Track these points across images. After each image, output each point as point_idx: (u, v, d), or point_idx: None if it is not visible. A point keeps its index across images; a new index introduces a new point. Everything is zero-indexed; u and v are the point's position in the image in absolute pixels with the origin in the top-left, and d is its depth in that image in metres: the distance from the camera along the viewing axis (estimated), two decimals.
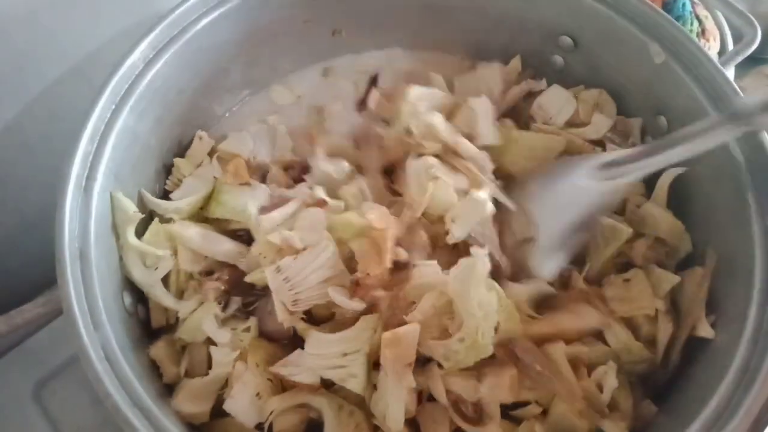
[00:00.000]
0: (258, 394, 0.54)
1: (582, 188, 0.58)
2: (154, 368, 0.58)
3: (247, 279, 0.59)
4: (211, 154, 0.69)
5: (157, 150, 0.67)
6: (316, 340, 0.55)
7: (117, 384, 0.48)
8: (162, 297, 0.59)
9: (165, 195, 0.68)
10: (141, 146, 0.63)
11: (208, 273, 0.61)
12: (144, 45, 0.61)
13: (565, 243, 0.60)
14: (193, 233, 0.60)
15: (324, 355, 0.54)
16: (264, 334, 0.59)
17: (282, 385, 0.57)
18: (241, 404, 0.54)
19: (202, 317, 0.56)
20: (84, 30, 0.76)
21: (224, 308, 0.59)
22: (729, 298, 0.57)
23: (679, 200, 0.65)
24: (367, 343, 0.53)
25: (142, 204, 0.63)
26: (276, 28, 0.73)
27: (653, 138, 0.69)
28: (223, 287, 0.59)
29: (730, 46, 0.87)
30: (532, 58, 0.76)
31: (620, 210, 0.66)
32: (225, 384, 0.56)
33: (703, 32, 0.87)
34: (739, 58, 0.70)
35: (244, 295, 0.60)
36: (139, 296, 0.61)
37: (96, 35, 0.76)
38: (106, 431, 0.61)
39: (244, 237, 0.62)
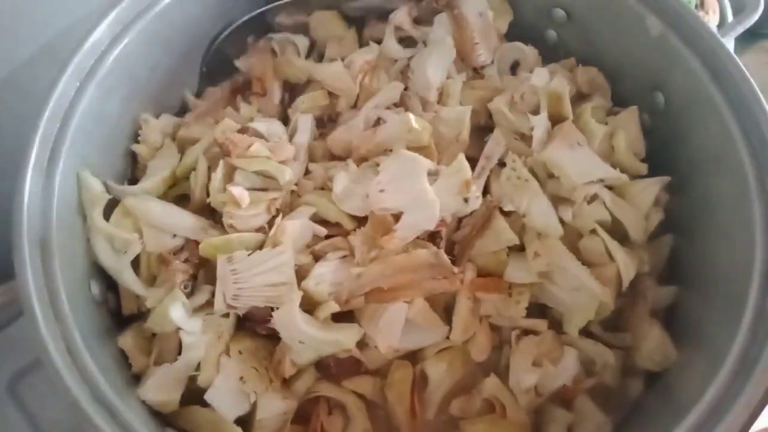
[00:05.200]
0: (242, 378, 0.52)
1: None
2: (124, 358, 0.55)
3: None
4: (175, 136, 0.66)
5: (127, 132, 0.64)
6: None
7: (79, 379, 0.46)
8: (131, 283, 0.56)
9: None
10: (108, 127, 0.60)
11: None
12: (110, 19, 0.58)
13: None
14: (151, 206, 0.57)
15: None
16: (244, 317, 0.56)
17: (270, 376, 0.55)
18: (223, 394, 0.52)
19: (168, 306, 0.53)
20: (55, 6, 0.73)
21: (191, 293, 0.56)
22: (727, 281, 0.54)
23: (679, 181, 0.62)
24: None
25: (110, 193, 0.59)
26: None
27: (650, 117, 0.66)
28: (191, 270, 0.56)
29: (730, 18, 0.84)
30: (524, 32, 0.72)
31: None
32: (196, 370, 0.54)
33: (701, 4, 0.85)
34: (740, 29, 0.67)
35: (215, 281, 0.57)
36: (109, 283, 0.58)
37: (68, 12, 0.72)
38: (85, 424, 0.58)
39: (208, 214, 0.60)
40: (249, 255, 0.54)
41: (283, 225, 0.56)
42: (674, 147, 0.63)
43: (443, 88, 0.66)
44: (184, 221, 0.58)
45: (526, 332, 0.56)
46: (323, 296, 0.54)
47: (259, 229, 0.58)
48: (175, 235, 0.59)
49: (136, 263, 0.58)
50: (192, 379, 0.53)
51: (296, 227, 0.56)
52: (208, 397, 0.52)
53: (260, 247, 0.56)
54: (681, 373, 0.55)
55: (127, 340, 0.55)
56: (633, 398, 0.59)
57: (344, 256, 0.57)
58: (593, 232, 0.59)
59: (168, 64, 0.66)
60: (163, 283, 0.57)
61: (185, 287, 0.56)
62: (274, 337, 0.55)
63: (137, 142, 0.65)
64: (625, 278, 0.57)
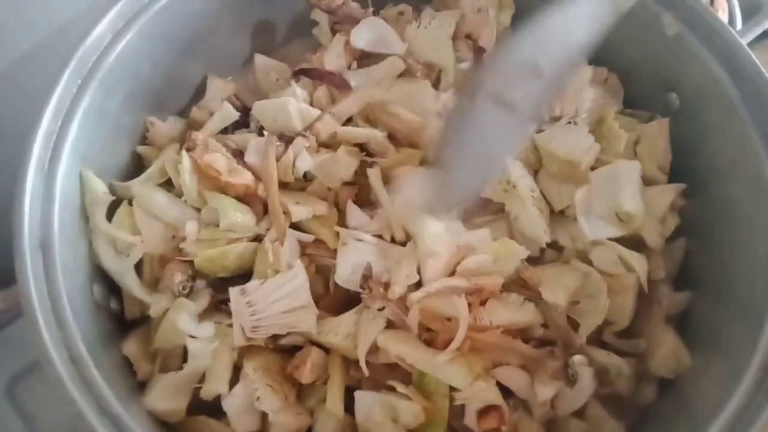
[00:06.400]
0: (258, 398, 0.51)
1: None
2: (128, 365, 0.54)
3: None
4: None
5: (130, 130, 0.62)
6: None
7: (82, 388, 0.44)
8: (133, 287, 0.55)
9: None
10: (111, 125, 0.58)
11: None
12: (112, 14, 0.56)
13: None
14: (156, 196, 0.56)
15: None
16: None
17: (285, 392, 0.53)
18: (239, 405, 0.51)
19: (176, 317, 0.52)
20: (54, 1, 0.71)
21: (189, 294, 0.55)
22: (746, 287, 0.53)
23: (694, 184, 0.61)
24: None
25: (114, 192, 0.58)
26: None
27: (661, 117, 0.65)
28: (191, 270, 0.54)
29: (739, 18, 0.83)
30: None
31: None
32: (202, 379, 0.52)
33: (711, 2, 0.83)
34: (758, 30, 0.66)
35: (216, 287, 0.56)
36: (112, 286, 0.57)
37: (67, 7, 0.71)
38: (85, 429, 0.57)
39: None
40: (262, 284, 0.52)
41: (278, 252, 0.54)
42: (689, 149, 0.62)
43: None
44: (189, 215, 0.56)
45: (543, 343, 0.55)
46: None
47: None
48: (174, 236, 0.57)
49: (139, 265, 0.56)
50: (199, 388, 0.52)
51: (286, 250, 0.55)
52: (225, 403, 0.51)
53: (254, 254, 0.55)
54: (698, 381, 0.54)
55: (131, 346, 0.54)
56: (646, 404, 0.58)
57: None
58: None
59: (171, 60, 0.64)
60: (166, 288, 0.55)
61: (183, 288, 0.55)
62: (284, 351, 0.54)
63: (142, 142, 0.63)
64: (643, 281, 0.57)
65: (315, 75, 0.64)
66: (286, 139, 0.59)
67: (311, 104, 0.63)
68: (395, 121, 0.62)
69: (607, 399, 0.57)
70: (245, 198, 0.57)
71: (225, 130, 0.63)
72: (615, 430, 0.56)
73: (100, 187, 0.55)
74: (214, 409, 0.52)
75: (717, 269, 0.58)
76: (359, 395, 0.52)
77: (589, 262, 0.58)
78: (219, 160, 0.56)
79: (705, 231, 0.60)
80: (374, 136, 0.60)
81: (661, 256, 0.60)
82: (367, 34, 0.66)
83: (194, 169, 0.56)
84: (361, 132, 0.61)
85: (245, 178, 0.56)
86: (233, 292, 0.52)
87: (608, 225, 0.58)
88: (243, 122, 0.63)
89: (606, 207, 0.58)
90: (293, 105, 0.60)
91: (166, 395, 0.51)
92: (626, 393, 0.57)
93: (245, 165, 0.58)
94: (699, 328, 0.58)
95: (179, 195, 0.58)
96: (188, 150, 0.56)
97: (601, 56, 0.68)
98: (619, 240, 0.58)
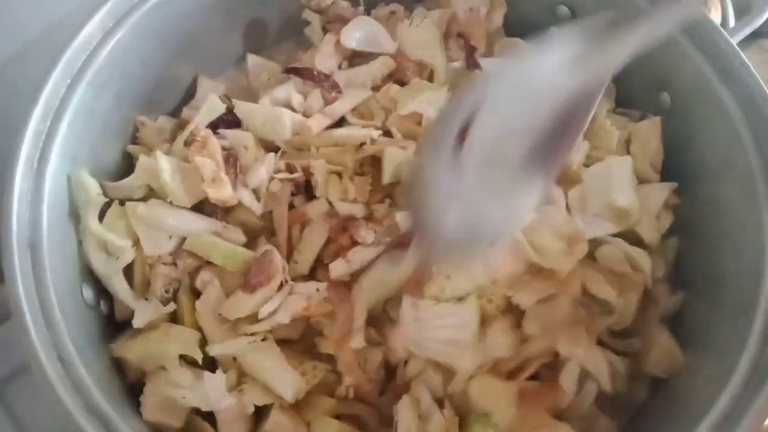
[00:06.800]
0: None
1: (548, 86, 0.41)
2: (118, 366, 0.54)
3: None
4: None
5: (120, 129, 0.62)
6: None
7: (71, 388, 0.44)
8: (120, 290, 0.54)
9: None
10: (100, 124, 0.58)
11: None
12: (102, 13, 0.56)
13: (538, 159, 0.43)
14: (162, 212, 0.55)
15: None
16: None
17: None
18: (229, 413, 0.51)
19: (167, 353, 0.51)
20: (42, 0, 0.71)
21: (173, 297, 0.54)
22: (736, 287, 0.53)
23: (685, 183, 0.61)
24: None
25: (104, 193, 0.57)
26: None
27: (653, 116, 0.65)
28: (173, 274, 0.54)
29: (731, 17, 0.83)
30: (526, 29, 0.71)
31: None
32: None
33: (704, 1, 0.84)
34: (748, 30, 0.66)
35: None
36: (102, 287, 0.56)
37: (56, 6, 0.70)
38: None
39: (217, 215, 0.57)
40: (435, 306, 0.52)
41: None
42: (680, 148, 0.62)
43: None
44: (196, 224, 0.55)
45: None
46: None
47: None
48: (171, 237, 0.56)
49: (132, 269, 0.56)
50: None
51: None
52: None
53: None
54: (689, 380, 0.54)
55: (121, 348, 0.53)
56: (638, 403, 0.58)
57: None
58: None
59: (161, 59, 0.64)
60: (152, 294, 0.55)
61: (167, 291, 0.54)
62: None
63: (132, 142, 0.63)
64: (648, 278, 0.57)
65: (306, 75, 0.64)
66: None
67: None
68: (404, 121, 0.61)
69: (601, 398, 0.57)
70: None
71: (215, 127, 0.62)
72: (608, 428, 0.56)
73: (94, 188, 0.55)
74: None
75: (707, 268, 0.58)
76: None
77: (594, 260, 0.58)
78: (207, 165, 0.54)
79: (696, 230, 0.60)
80: (371, 135, 0.60)
81: (658, 255, 0.60)
82: (357, 33, 0.66)
83: (178, 170, 0.55)
84: (358, 134, 0.60)
85: (225, 192, 0.54)
86: (407, 300, 0.52)
87: (604, 222, 0.58)
88: (234, 122, 0.63)
89: (600, 204, 0.58)
90: (288, 116, 0.59)
91: (162, 409, 0.51)
92: (620, 391, 0.57)
93: (234, 171, 0.56)
94: (691, 327, 0.58)
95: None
96: (186, 144, 0.56)
97: None
98: (617, 237, 0.58)
